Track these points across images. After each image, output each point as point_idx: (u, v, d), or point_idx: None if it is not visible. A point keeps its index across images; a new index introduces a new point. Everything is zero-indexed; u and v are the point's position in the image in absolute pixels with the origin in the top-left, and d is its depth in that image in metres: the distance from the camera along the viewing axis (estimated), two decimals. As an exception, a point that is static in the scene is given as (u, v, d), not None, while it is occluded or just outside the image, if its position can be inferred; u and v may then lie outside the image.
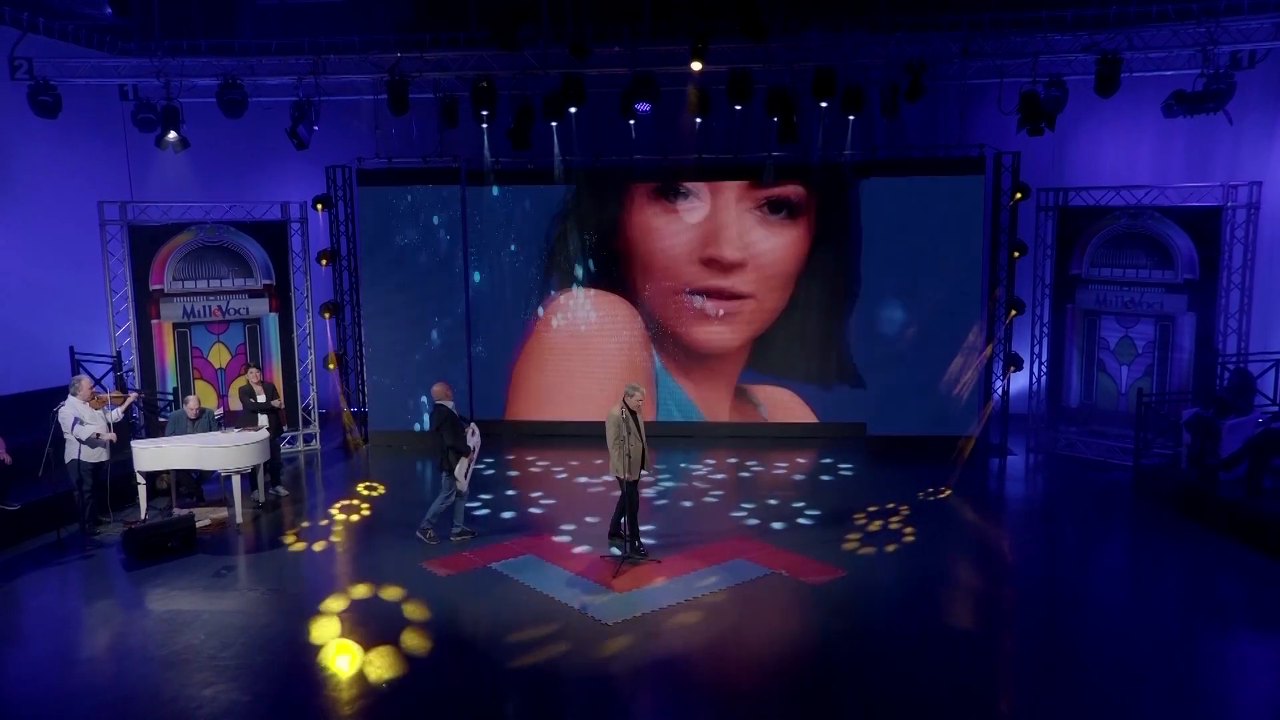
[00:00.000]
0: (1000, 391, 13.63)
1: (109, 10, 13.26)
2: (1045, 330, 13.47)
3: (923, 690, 6.90)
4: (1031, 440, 13.57)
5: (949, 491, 11.62)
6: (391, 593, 8.65)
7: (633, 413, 9.02)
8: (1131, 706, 6.62)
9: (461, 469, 9.73)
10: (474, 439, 9.91)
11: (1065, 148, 14.29)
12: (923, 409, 13.41)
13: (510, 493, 11.86)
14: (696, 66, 11.50)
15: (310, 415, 14.11)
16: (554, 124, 13.41)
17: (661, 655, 7.43)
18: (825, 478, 12.38)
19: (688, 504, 11.36)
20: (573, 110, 12.62)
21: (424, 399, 13.93)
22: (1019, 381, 13.95)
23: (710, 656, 7.46)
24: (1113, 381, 12.85)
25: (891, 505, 11.05)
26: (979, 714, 6.64)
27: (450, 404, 9.79)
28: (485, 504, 11.32)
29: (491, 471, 12.81)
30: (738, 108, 12.33)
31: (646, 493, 11.62)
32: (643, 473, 9.21)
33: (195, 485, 11.36)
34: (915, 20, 12.49)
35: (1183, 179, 12.99)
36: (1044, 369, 13.54)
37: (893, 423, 13.57)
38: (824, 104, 12.18)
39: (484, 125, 13.31)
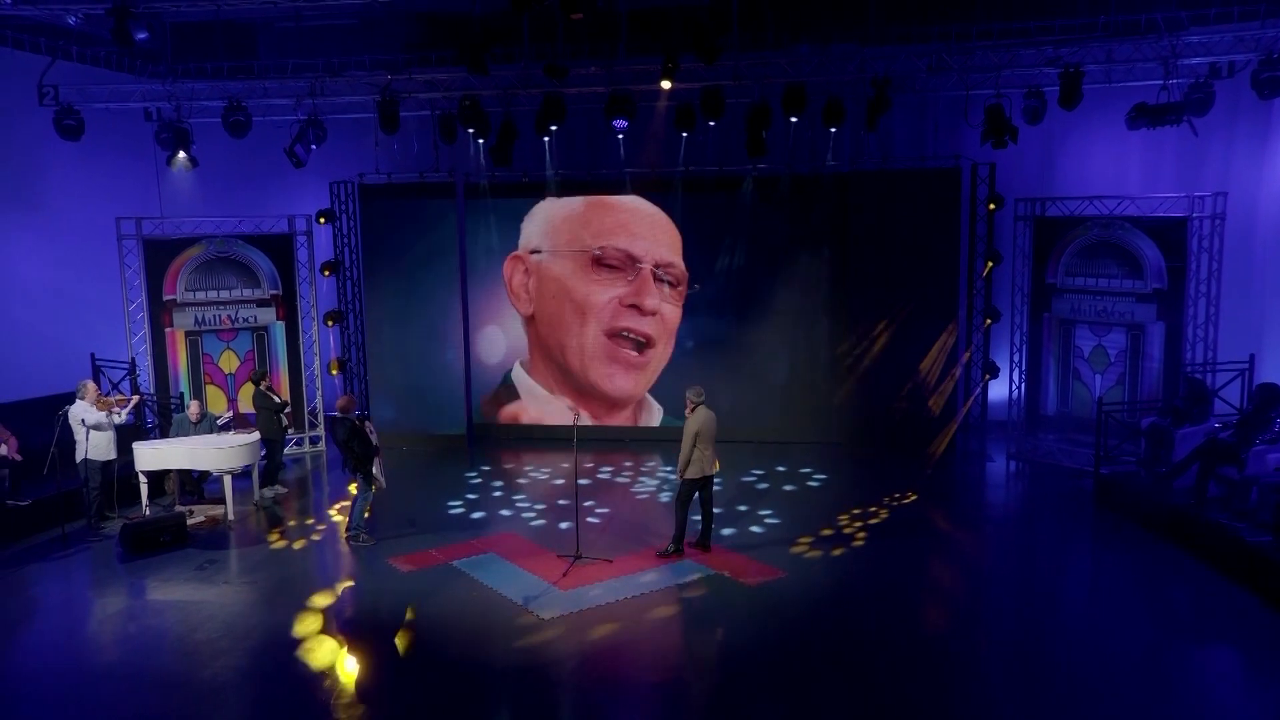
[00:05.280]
0: (972, 399, 13.85)
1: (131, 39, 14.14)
2: (1024, 339, 13.62)
3: (847, 692, 7.30)
4: (1013, 447, 13.73)
5: (915, 497, 11.91)
6: (348, 586, 9.32)
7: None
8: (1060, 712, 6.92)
9: (378, 468, 10.35)
10: (371, 438, 10.53)
11: (1055, 157, 14.40)
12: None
13: (496, 495, 12.41)
14: (666, 85, 11.96)
15: (316, 418, 14.88)
16: (545, 139, 13.98)
17: (587, 649, 7.91)
18: (790, 486, 12.63)
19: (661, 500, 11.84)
20: (554, 127, 13.14)
21: (427, 401, 14.70)
22: (1000, 389, 14.12)
23: (631, 651, 7.94)
24: (1087, 390, 12.97)
25: (856, 510, 11.36)
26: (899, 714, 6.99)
27: (353, 415, 10.38)
28: (469, 505, 11.92)
29: (490, 475, 13.40)
30: (710, 124, 12.75)
31: (641, 493, 12.28)
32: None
33: (197, 484, 12.17)
34: (903, 32, 12.77)
35: (1169, 189, 12.98)
36: (1023, 377, 13.70)
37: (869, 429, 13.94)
38: (794, 119, 12.52)
39: (480, 141, 13.97)
